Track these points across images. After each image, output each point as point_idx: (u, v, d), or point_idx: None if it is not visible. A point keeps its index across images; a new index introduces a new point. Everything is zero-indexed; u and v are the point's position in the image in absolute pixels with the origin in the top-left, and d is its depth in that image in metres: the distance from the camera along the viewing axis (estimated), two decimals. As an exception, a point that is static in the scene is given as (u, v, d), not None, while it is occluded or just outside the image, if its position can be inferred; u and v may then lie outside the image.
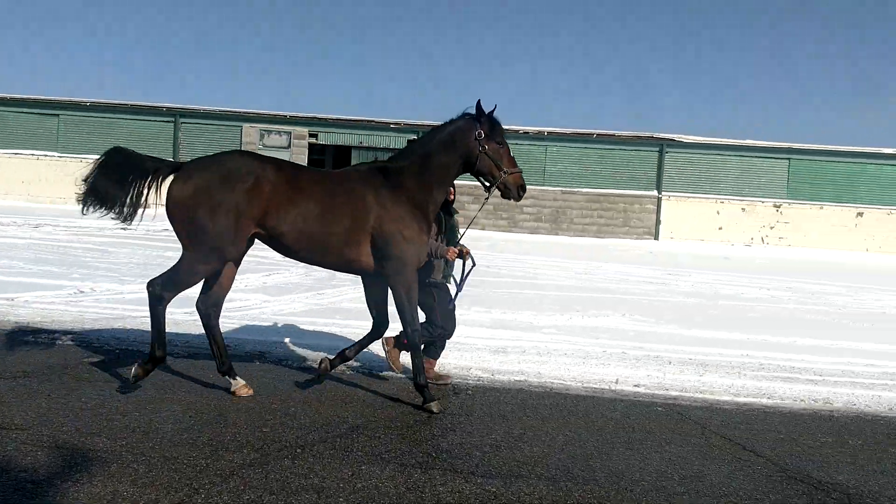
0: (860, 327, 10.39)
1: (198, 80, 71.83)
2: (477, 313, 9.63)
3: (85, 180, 5.01)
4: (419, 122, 26.40)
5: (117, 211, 5.02)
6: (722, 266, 19.34)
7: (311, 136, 26.29)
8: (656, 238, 25.90)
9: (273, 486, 3.64)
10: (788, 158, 25.74)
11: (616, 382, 6.41)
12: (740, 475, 4.23)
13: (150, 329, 5.18)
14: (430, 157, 5.33)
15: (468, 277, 6.02)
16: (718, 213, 25.85)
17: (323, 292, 10.59)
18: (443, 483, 3.81)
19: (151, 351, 5.08)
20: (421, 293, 5.60)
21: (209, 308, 5.35)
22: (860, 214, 25.32)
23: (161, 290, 4.99)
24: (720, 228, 25.69)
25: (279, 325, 7.94)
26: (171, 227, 5.00)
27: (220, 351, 5.34)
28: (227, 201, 4.83)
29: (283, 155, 26.09)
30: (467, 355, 7.10)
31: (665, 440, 4.83)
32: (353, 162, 26.06)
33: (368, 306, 5.70)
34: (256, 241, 5.27)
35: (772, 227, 25.64)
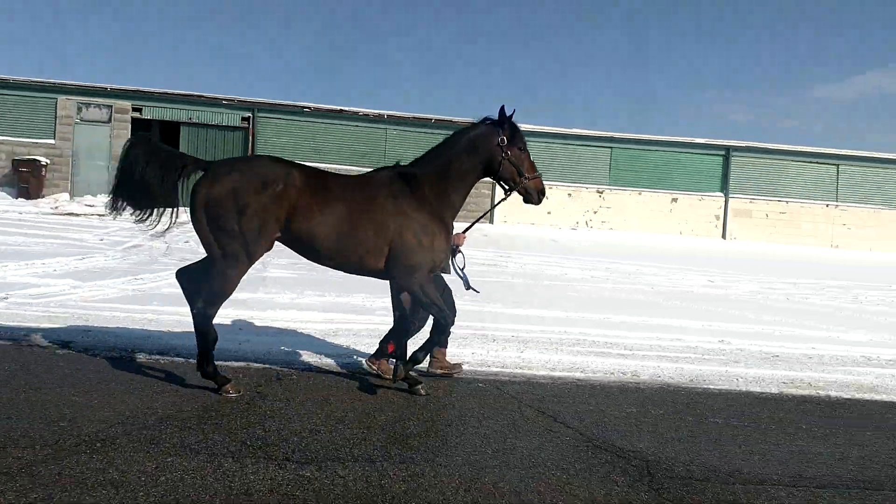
0: (671, 305, 11.23)
1: (8, 48, 65.39)
2: (310, 297, 9.46)
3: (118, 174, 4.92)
4: (253, 100, 25.53)
5: (147, 211, 4.97)
6: (550, 248, 20.26)
7: (134, 110, 24.64)
8: (491, 222, 26.67)
9: (66, 483, 3.36)
10: (611, 147, 27.31)
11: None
12: (549, 446, 4.41)
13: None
14: (451, 164, 5.36)
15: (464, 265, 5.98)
16: (547, 197, 26.92)
17: (141, 277, 9.98)
18: (255, 471, 3.68)
19: (202, 369, 5.10)
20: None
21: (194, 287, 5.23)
22: (675, 200, 27.34)
23: (204, 309, 4.99)
24: (549, 213, 26.84)
25: (88, 313, 7.38)
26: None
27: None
28: (255, 204, 4.82)
29: (104, 130, 24.33)
30: (298, 340, 6.95)
31: (483, 415, 4.96)
32: (182, 140, 24.78)
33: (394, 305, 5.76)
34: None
35: (595, 212, 27.14)
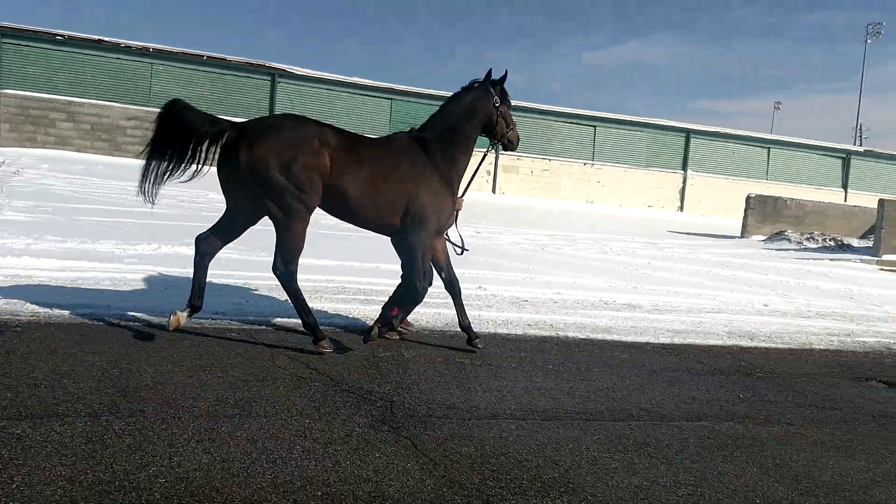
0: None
1: None
2: (50, 243, 8.58)
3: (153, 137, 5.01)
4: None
5: (180, 167, 5.07)
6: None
7: None
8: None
9: None
10: (391, 99, 27.50)
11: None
12: (296, 393, 4.37)
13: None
14: (456, 129, 5.75)
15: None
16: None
17: None
18: (-49, 434, 3.27)
19: (310, 326, 5.31)
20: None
21: (209, 248, 5.42)
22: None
23: (285, 268, 5.14)
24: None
25: None
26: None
27: (200, 291, 5.36)
28: (299, 159, 5.01)
29: None
30: (29, 289, 6.27)
31: (230, 365, 4.80)
32: None
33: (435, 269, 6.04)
34: None
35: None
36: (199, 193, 16.05)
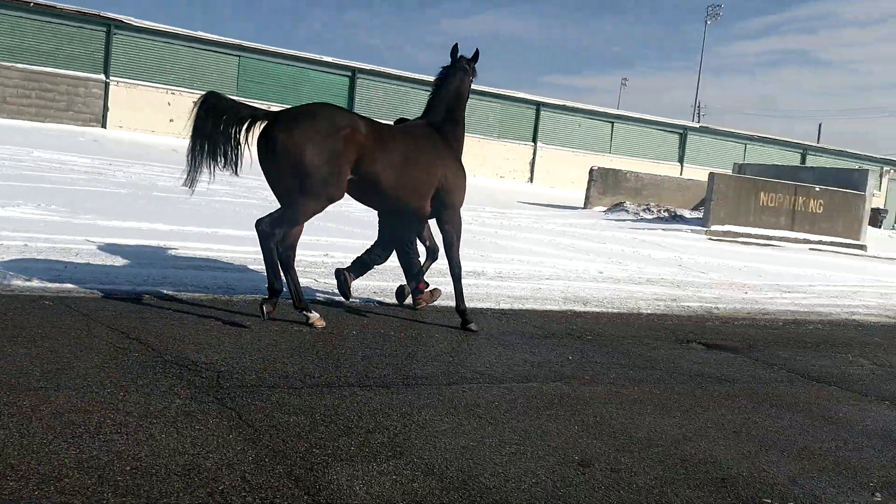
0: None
1: None
2: None
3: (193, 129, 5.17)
4: None
5: (224, 158, 5.24)
6: (169, 159, 19.05)
7: None
8: (104, 126, 24.20)
9: None
10: (239, 56, 26.34)
11: (4, 278, 5.67)
12: (113, 364, 4.09)
13: None
14: (454, 108, 6.22)
15: None
16: (169, 104, 25.29)
17: None
18: None
19: (269, 284, 5.36)
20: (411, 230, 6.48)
21: (287, 251, 5.50)
22: (303, 118, 27.56)
23: (270, 228, 5.24)
24: (171, 120, 25.19)
25: None
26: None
27: (296, 289, 5.53)
28: (332, 148, 5.21)
29: None
30: None
31: (41, 335, 4.42)
32: None
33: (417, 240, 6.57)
34: None
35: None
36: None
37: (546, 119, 32.94)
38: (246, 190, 14.45)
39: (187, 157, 5.25)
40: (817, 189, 21.25)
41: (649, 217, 20.88)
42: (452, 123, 6.21)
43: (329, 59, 27.90)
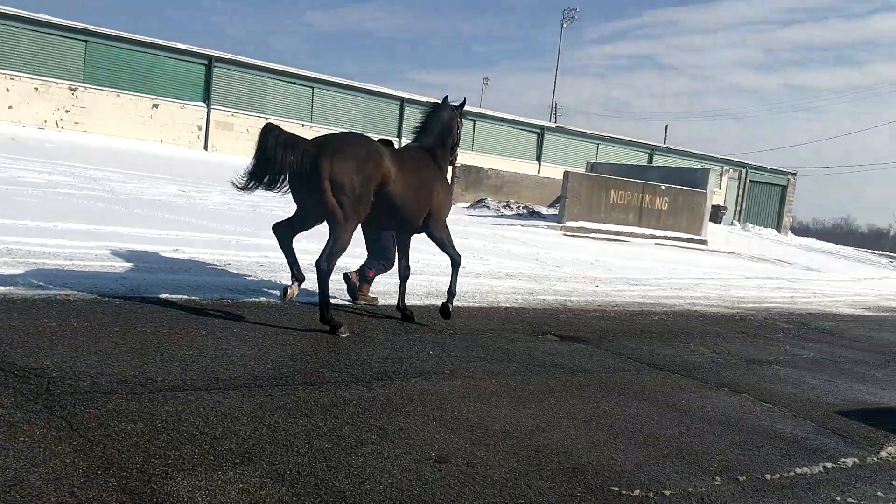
0: (132, 213, 10.63)
1: None
2: None
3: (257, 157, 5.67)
4: None
5: (277, 181, 5.76)
6: (7, 148, 17.57)
7: None
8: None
9: None
10: (86, 41, 24.67)
11: None
12: (-79, 373, 3.66)
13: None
14: (444, 137, 6.85)
15: None
16: (8, 90, 23.34)
17: None
18: None
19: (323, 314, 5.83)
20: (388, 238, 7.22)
21: (284, 234, 6.13)
22: (156, 106, 26.16)
23: (328, 265, 5.77)
24: (10, 108, 23.26)
25: None
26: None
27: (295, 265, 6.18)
28: (368, 172, 5.82)
29: None
30: None
31: None
32: None
33: (396, 253, 7.07)
34: None
35: (67, 111, 24.45)
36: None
37: (411, 115, 33.02)
38: (90, 181, 13.56)
39: (247, 176, 5.75)
40: (663, 187, 22.57)
41: (509, 213, 21.42)
42: (442, 149, 6.86)
43: (183, 47, 26.63)
